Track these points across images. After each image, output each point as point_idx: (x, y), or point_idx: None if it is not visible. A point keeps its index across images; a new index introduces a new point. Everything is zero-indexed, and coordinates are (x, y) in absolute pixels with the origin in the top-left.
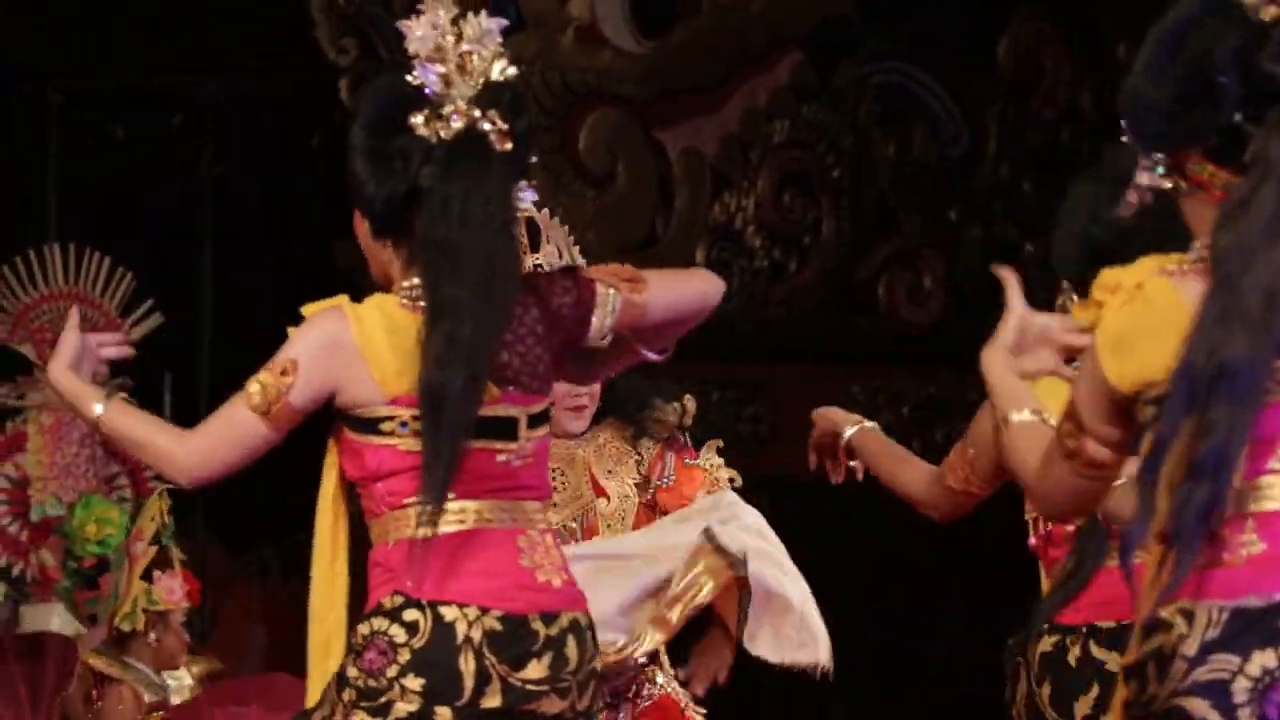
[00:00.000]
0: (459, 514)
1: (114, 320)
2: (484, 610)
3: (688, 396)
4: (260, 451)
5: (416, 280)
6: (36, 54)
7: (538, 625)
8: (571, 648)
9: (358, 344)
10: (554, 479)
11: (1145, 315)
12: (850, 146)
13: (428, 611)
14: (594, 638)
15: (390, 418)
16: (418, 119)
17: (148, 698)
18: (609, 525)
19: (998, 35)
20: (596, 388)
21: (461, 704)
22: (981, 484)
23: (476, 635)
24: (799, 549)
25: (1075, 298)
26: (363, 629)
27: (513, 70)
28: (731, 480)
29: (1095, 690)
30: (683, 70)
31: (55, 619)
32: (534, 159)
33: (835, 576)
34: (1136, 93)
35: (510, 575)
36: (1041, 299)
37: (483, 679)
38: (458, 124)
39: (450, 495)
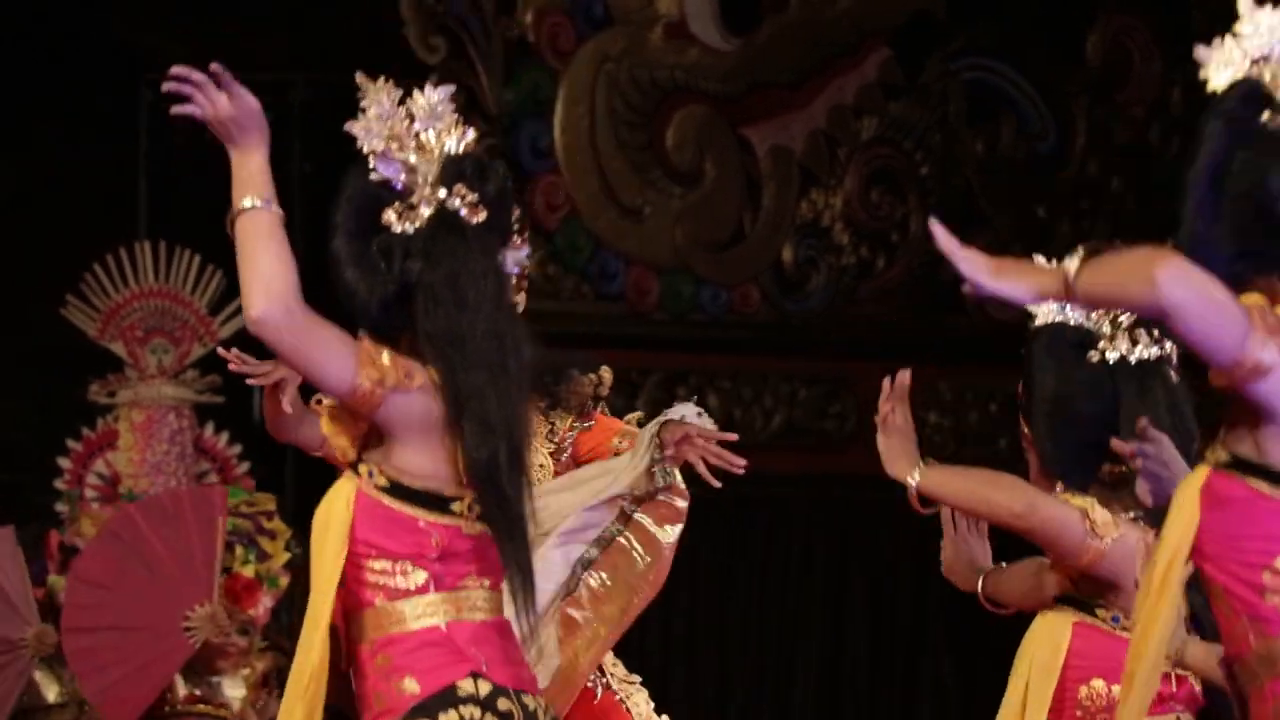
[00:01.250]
0: (492, 602)
1: (204, 317)
2: (536, 699)
3: (605, 367)
4: (315, 379)
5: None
6: (126, 51)
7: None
8: None
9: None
10: None
11: None
12: (938, 143)
13: (515, 699)
14: None
15: (460, 498)
16: (390, 215)
17: (182, 692)
18: None
19: (1086, 30)
20: None
21: None
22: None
23: None
24: (888, 545)
25: None
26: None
27: (472, 135)
28: (640, 423)
29: None
30: (770, 67)
31: None
32: (517, 217)
33: (922, 572)
34: (1194, 239)
35: (524, 663)
36: None
37: None
38: (427, 211)
39: (484, 584)
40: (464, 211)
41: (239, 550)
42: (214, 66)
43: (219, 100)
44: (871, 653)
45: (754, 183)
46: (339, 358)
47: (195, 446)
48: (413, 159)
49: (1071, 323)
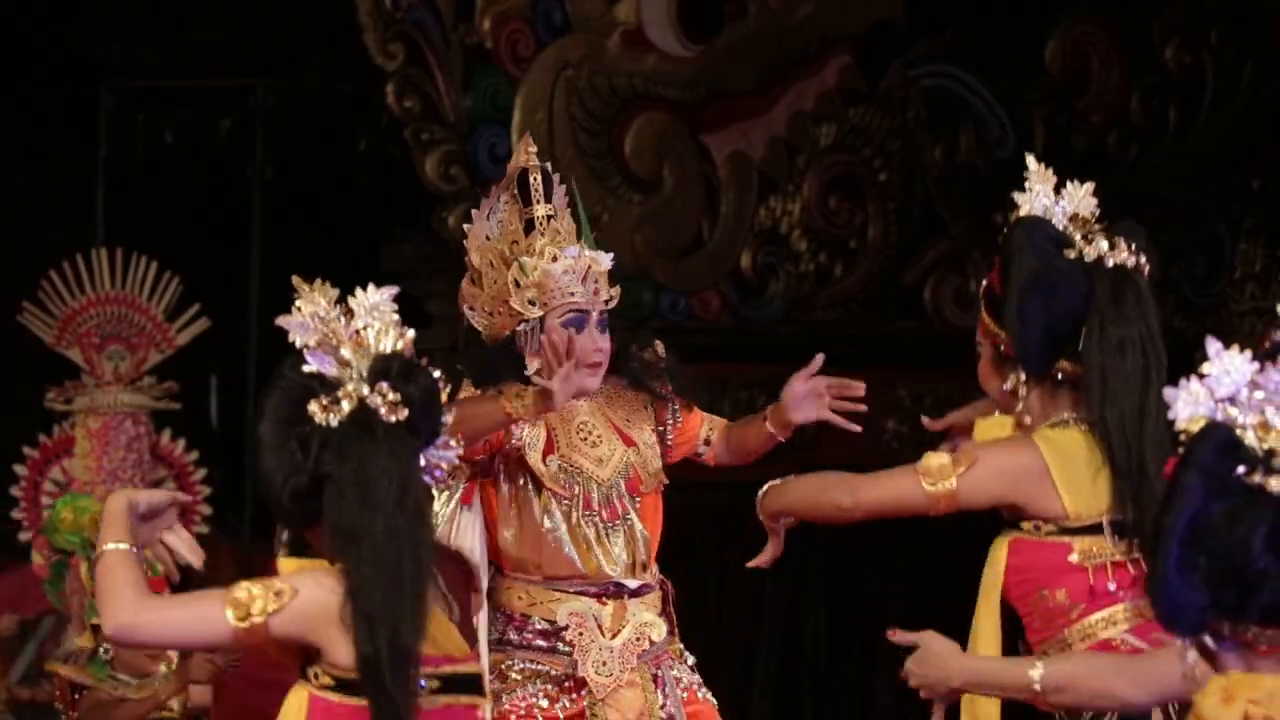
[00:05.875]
0: None
1: (161, 324)
2: None
3: (657, 340)
4: (195, 648)
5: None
6: (88, 57)
7: None
8: None
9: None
10: (590, 435)
11: None
12: (897, 150)
13: None
14: None
15: None
16: (314, 406)
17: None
18: (648, 473)
19: (1045, 38)
20: (608, 344)
21: None
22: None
23: None
24: (849, 550)
25: None
26: None
27: (411, 334)
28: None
29: None
30: (729, 74)
31: None
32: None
33: (884, 575)
34: (1166, 589)
35: None
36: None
37: None
38: (348, 406)
39: None
40: (382, 410)
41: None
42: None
43: None
44: (828, 670)
45: (713, 189)
46: (205, 620)
47: (152, 453)
48: (346, 353)
49: (1053, 220)
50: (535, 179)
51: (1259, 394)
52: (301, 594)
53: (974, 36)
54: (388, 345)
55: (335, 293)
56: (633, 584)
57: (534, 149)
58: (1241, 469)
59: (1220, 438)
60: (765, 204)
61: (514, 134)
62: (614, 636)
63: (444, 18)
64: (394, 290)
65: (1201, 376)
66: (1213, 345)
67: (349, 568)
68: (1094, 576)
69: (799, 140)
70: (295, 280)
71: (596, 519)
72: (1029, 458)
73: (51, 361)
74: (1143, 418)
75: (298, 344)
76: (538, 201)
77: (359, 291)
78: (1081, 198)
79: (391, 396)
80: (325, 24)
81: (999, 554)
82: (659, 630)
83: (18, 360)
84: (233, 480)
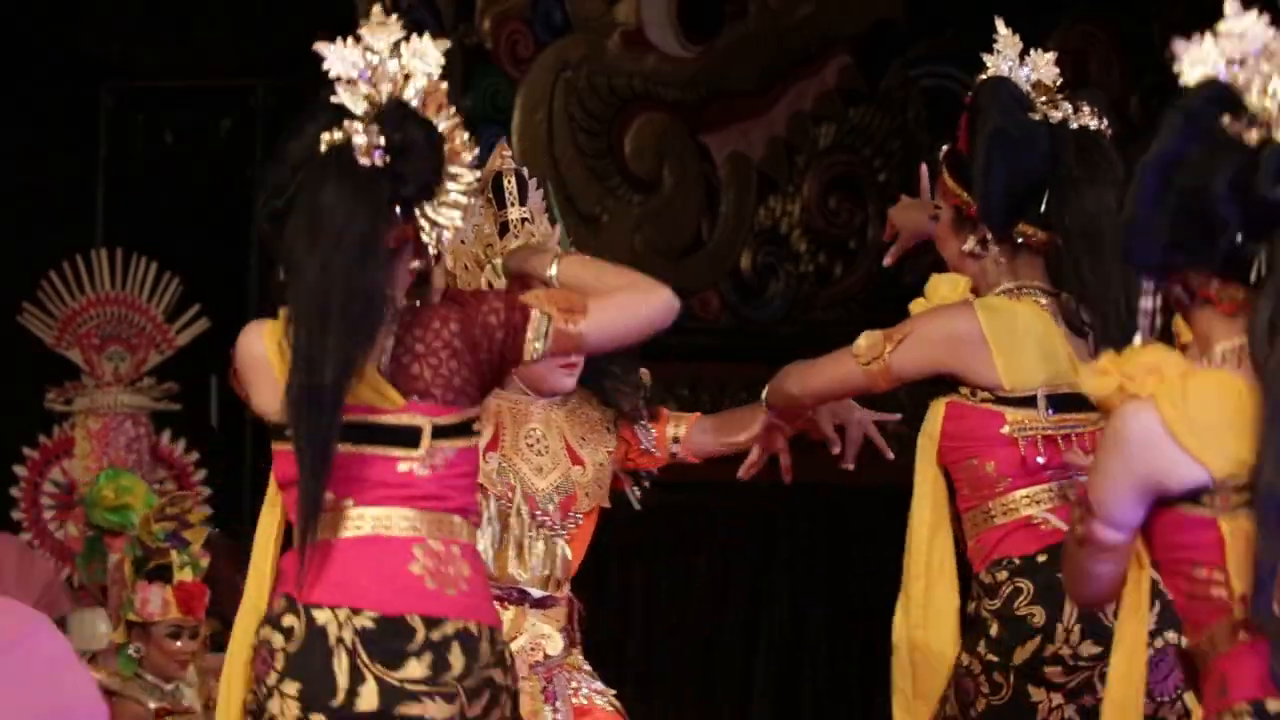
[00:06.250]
0: (357, 519)
1: (161, 325)
2: (355, 611)
3: (643, 370)
4: None
5: None
6: (88, 57)
7: (416, 624)
8: (456, 654)
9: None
10: (537, 444)
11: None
12: (897, 150)
13: (302, 615)
14: (494, 649)
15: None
16: (325, 136)
17: (152, 705)
18: (587, 494)
19: (1045, 38)
20: None
21: (337, 705)
22: None
23: (348, 635)
24: (841, 550)
25: None
26: (255, 639)
27: (444, 87)
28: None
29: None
30: (729, 74)
31: (102, 625)
32: (464, 184)
33: (876, 577)
34: (1133, 223)
35: (395, 580)
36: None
37: (356, 678)
38: (339, 139)
39: (349, 501)
40: (358, 150)
41: (174, 555)
42: None
43: None
44: (828, 670)
45: (713, 190)
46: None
47: (152, 454)
48: (381, 95)
49: (1017, 82)
50: (510, 182)
51: (1268, 63)
52: (238, 343)
53: (974, 36)
54: (409, 93)
55: (400, 35)
56: (536, 594)
57: (509, 152)
58: (1226, 118)
59: (1214, 90)
60: (765, 204)
61: (514, 134)
62: (509, 642)
63: (444, 18)
64: (446, 45)
65: (1216, 35)
66: (1231, 4)
67: (289, 300)
68: (1024, 449)
69: (799, 140)
70: (375, 10)
71: (533, 524)
72: (965, 325)
73: (51, 362)
74: (1128, 280)
75: (331, 74)
76: (512, 204)
77: (414, 38)
78: (1044, 66)
79: (374, 140)
80: (325, 24)
81: (935, 415)
82: (555, 644)
83: (18, 360)
84: (233, 480)
